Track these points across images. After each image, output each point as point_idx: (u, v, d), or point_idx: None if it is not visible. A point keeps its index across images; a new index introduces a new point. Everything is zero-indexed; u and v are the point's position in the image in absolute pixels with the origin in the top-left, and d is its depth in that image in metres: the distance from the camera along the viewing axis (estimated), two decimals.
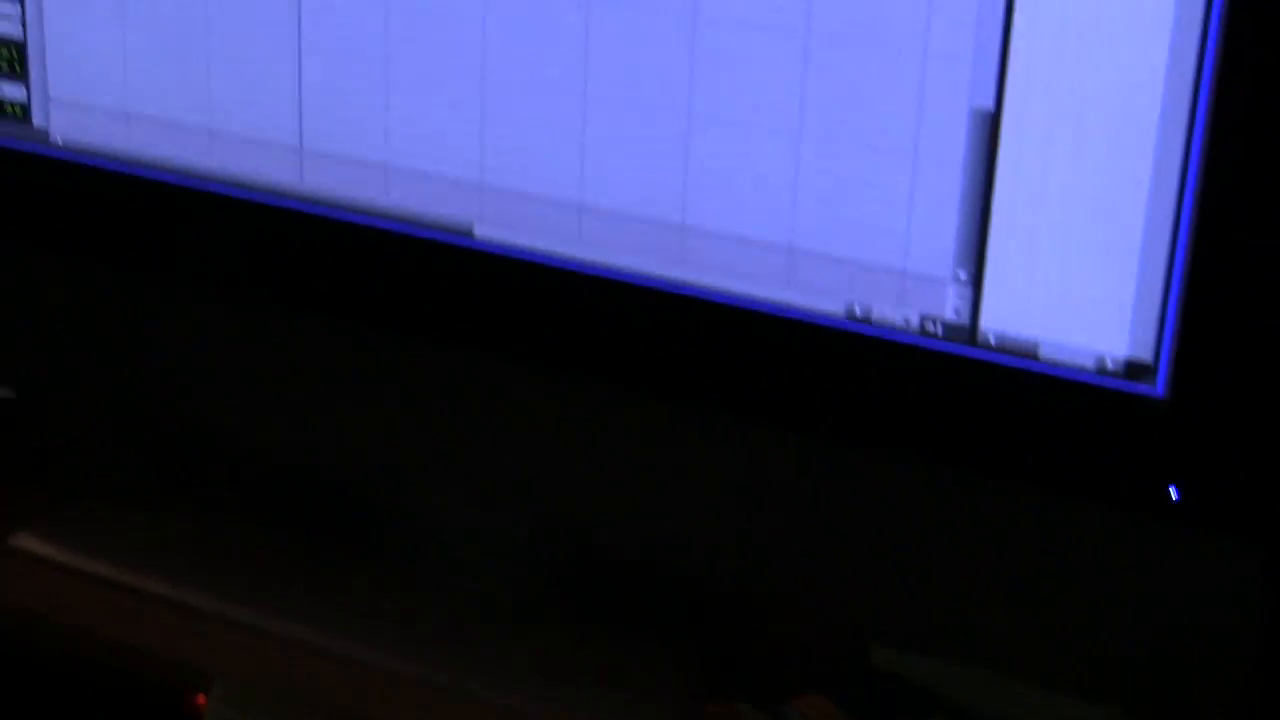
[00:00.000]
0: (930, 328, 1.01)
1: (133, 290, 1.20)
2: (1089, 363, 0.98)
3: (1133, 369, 0.97)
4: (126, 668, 1.17)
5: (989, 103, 0.96)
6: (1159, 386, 0.96)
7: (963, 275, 0.99)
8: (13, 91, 1.21)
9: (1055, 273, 0.97)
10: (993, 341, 0.99)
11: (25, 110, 1.21)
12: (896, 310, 1.01)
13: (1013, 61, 0.95)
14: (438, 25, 1.08)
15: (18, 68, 1.21)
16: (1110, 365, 0.97)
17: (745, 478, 1.06)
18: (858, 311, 1.02)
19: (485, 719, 1.11)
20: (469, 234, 1.10)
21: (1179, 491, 0.96)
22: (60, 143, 1.21)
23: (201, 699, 1.14)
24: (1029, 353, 0.99)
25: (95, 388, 1.24)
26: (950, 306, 1.00)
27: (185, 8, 1.15)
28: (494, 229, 1.09)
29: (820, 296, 1.02)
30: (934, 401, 1.01)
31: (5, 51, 1.21)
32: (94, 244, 1.21)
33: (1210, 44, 0.91)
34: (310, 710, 1.12)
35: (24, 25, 1.20)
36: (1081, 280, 0.97)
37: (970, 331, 1.00)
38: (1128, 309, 0.96)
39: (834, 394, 1.04)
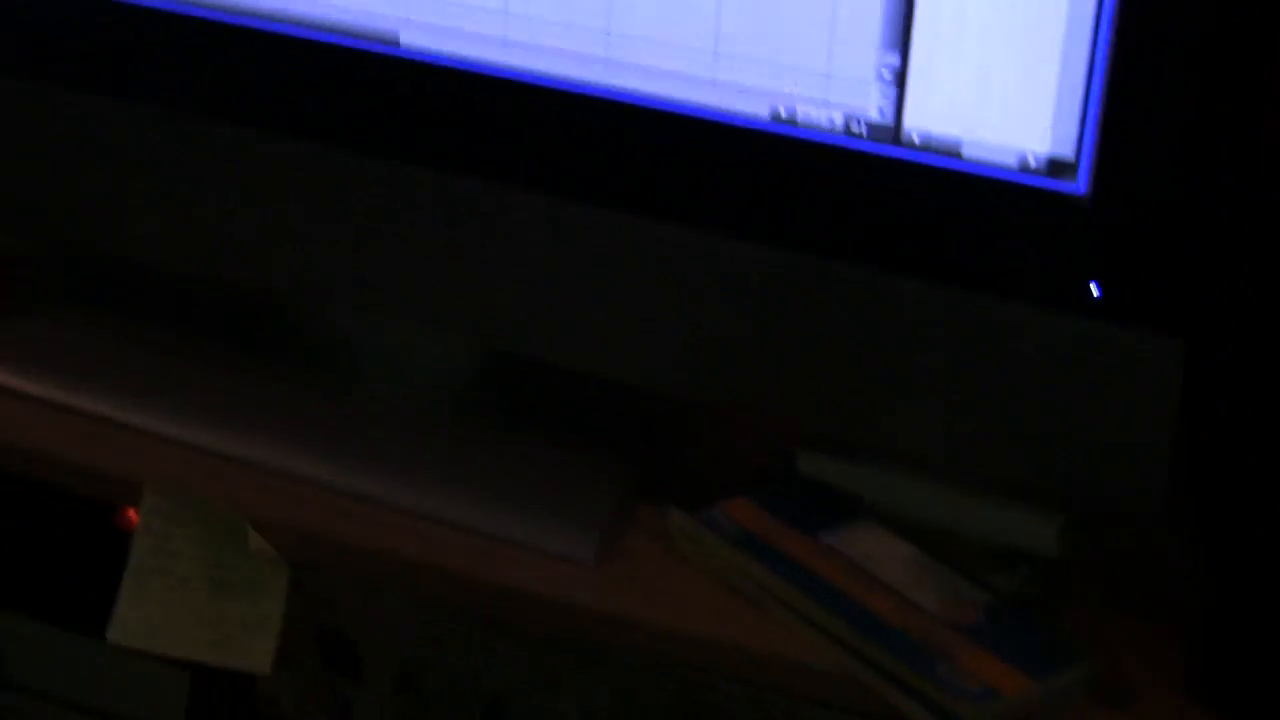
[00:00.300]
0: (855, 128, 1.01)
1: (63, 106, 1.19)
2: (1012, 161, 0.98)
3: (1055, 166, 0.97)
4: (57, 482, 1.17)
5: None
6: (1081, 184, 0.97)
7: (886, 74, 0.99)
8: None
9: (978, 71, 0.97)
10: (917, 141, 1.00)
11: None
12: (821, 111, 1.01)
13: None
14: None
15: None
16: (1033, 163, 0.98)
17: (672, 283, 1.06)
18: (783, 113, 1.02)
19: (413, 529, 1.11)
20: (395, 43, 1.10)
21: (1101, 288, 0.97)
22: None
23: (132, 513, 1.15)
24: (953, 152, 0.99)
25: (24, 205, 1.23)
26: (874, 106, 1.00)
27: None
28: (420, 37, 1.09)
29: (745, 99, 1.02)
30: (858, 201, 1.02)
31: None
32: (22, 61, 1.20)
33: None
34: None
35: None
36: (1004, 78, 0.97)
37: (894, 131, 1.00)
38: (1049, 106, 0.96)
39: (759, 196, 1.04)
